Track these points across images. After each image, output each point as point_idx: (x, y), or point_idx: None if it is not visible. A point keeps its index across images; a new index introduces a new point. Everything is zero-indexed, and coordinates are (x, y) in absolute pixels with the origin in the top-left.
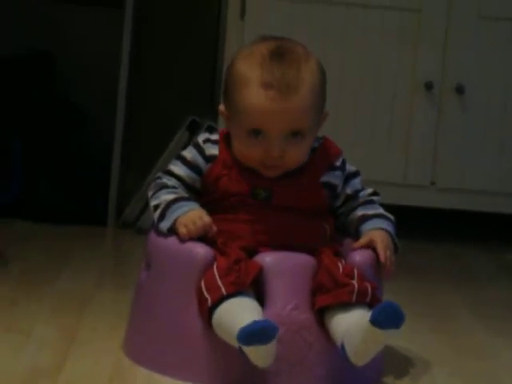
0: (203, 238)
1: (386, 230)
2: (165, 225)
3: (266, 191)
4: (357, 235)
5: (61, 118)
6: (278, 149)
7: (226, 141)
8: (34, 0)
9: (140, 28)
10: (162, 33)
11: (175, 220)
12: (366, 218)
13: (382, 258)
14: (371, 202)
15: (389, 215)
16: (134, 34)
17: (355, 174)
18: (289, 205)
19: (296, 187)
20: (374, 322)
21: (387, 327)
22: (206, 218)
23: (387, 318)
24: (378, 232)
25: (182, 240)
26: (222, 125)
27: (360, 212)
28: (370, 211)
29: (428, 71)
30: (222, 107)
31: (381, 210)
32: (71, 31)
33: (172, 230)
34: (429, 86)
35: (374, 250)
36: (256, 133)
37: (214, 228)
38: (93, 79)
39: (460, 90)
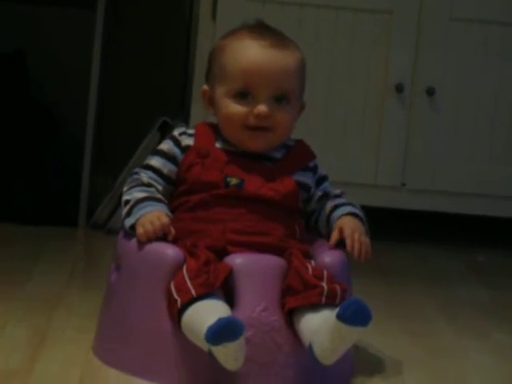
0: (164, 238)
1: (354, 214)
2: (128, 221)
3: (238, 179)
4: (328, 226)
5: (33, 120)
6: (265, 105)
7: (202, 130)
8: (6, 0)
9: (111, 29)
10: (133, 34)
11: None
12: (335, 207)
13: (348, 245)
14: (339, 197)
15: (355, 204)
16: (105, 34)
17: (325, 178)
18: (260, 195)
19: (267, 177)
20: (341, 316)
21: (354, 323)
22: (164, 219)
23: (354, 314)
24: (345, 219)
25: (140, 241)
26: (192, 127)
27: (330, 204)
28: (338, 202)
29: (399, 73)
30: (204, 87)
31: (347, 202)
32: (43, 32)
33: (134, 229)
34: (399, 88)
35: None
36: (244, 95)
37: (173, 230)
38: (64, 80)
39: (430, 92)
